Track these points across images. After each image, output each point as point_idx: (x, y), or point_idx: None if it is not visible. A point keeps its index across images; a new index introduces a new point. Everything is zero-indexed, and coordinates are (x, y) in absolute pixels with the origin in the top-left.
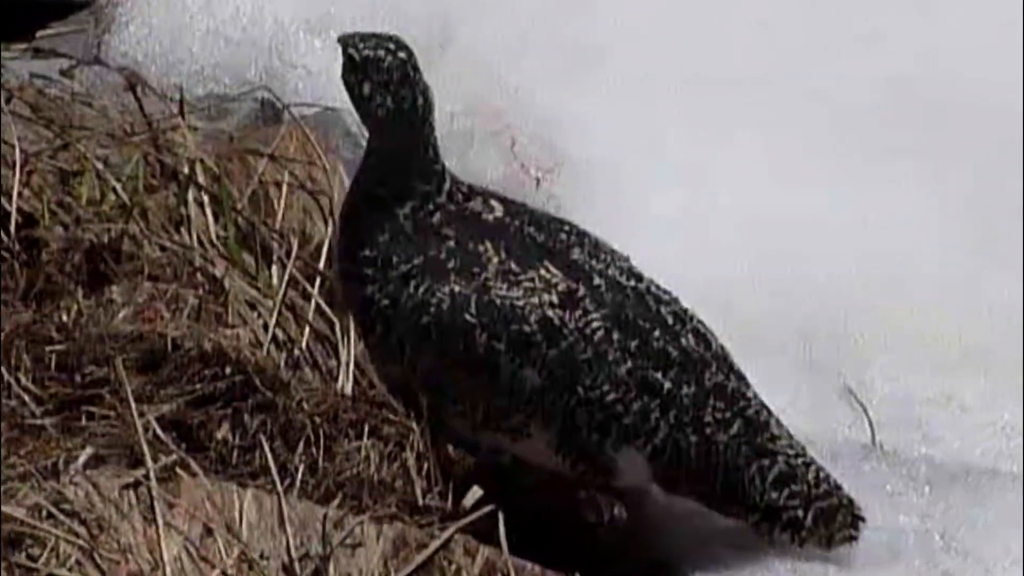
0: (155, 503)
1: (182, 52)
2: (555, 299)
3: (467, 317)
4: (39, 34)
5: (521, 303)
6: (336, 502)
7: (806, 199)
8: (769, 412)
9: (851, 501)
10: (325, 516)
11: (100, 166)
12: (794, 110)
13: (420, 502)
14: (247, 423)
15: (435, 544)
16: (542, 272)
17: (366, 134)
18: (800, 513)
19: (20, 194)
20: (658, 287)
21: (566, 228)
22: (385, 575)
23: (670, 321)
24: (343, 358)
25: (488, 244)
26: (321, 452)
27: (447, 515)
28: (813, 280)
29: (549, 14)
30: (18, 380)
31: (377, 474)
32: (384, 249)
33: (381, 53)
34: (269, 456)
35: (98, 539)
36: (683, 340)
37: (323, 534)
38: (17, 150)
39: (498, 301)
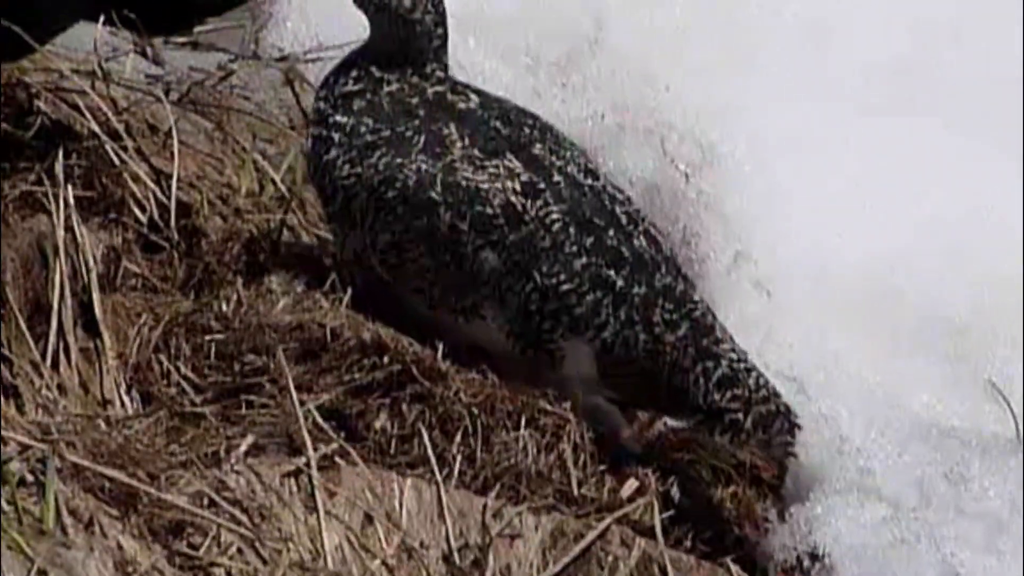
0: (316, 492)
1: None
2: (517, 187)
3: (433, 195)
4: (198, 29)
5: (486, 186)
6: (494, 492)
7: (965, 193)
8: (714, 316)
9: (788, 409)
10: (484, 506)
11: (259, 158)
12: (959, 101)
13: (577, 492)
14: (405, 413)
15: (592, 535)
16: (506, 162)
17: None
18: (740, 416)
19: (179, 185)
20: (614, 187)
21: (529, 123)
22: (543, 565)
23: (624, 221)
24: None
25: (453, 128)
26: (479, 442)
27: (604, 506)
28: (968, 274)
29: (701, 9)
30: (178, 368)
31: (534, 465)
32: (357, 117)
33: None
34: (428, 446)
35: (259, 527)
36: (636, 241)
37: (482, 524)
38: (175, 141)
39: (463, 182)
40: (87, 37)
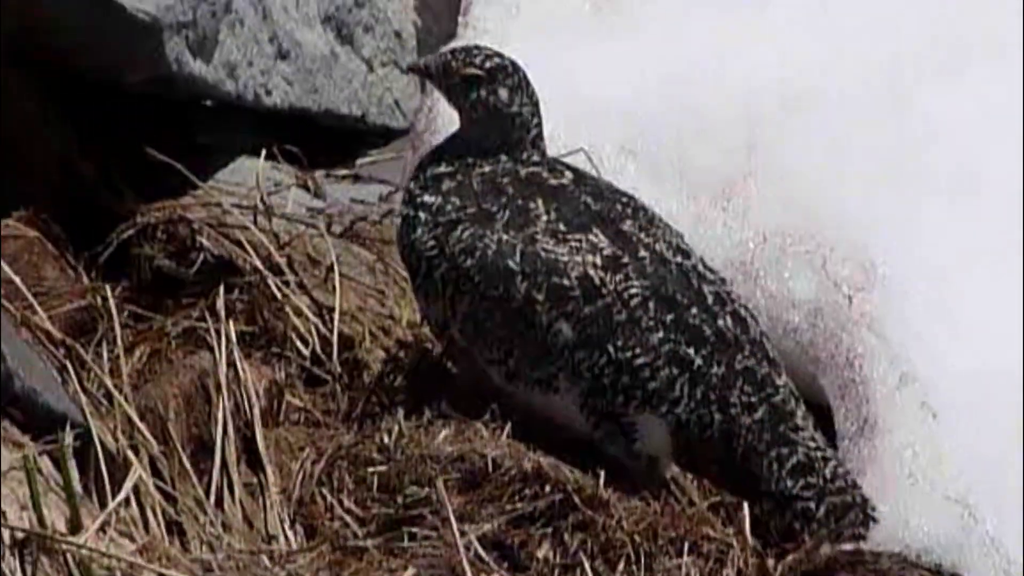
0: None
1: None
2: (598, 261)
3: (510, 263)
4: (359, 162)
5: (565, 258)
6: None
7: None
8: (797, 402)
9: (865, 500)
10: None
11: None
12: None
13: None
14: (567, 542)
15: None
16: (590, 236)
17: None
18: (812, 504)
19: (341, 318)
20: (706, 267)
21: (623, 200)
22: None
23: (710, 300)
24: None
25: (539, 202)
26: (642, 570)
27: None
28: None
29: (857, 130)
30: (341, 502)
31: None
32: (445, 197)
33: (500, 62)
34: (591, 574)
35: None
36: (720, 320)
37: None
38: (337, 274)
39: (543, 253)
40: (249, 172)
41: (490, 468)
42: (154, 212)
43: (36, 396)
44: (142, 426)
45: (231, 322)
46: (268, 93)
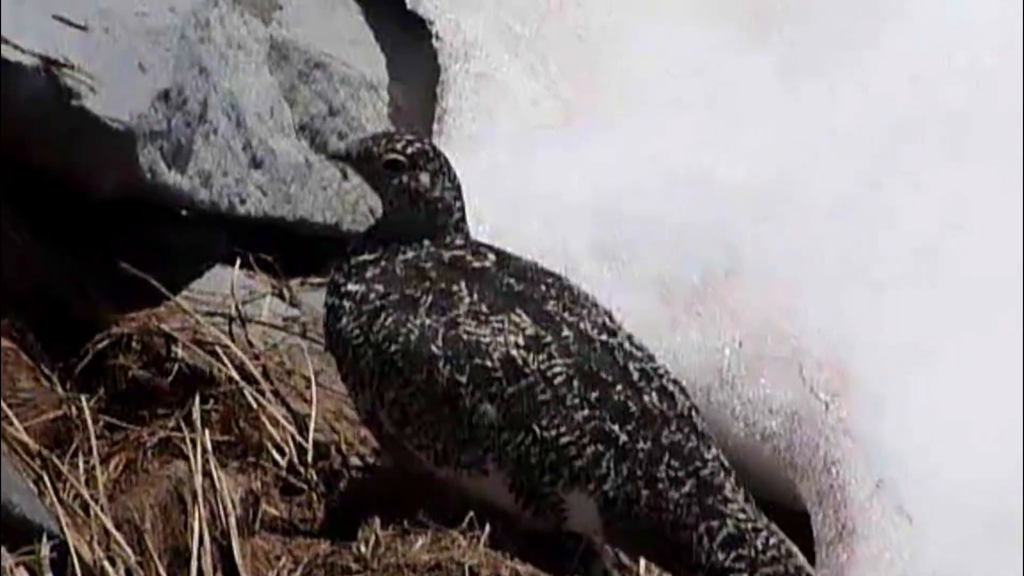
0: None
1: None
2: (521, 341)
3: (433, 348)
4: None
5: (487, 340)
6: None
7: None
8: (727, 474)
9: (799, 569)
10: None
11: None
12: None
13: None
14: None
15: None
16: (512, 317)
17: None
18: None
19: (317, 426)
20: (633, 343)
21: (547, 280)
22: None
23: (635, 377)
24: None
25: (463, 284)
26: None
27: None
28: None
29: (834, 237)
30: None
31: None
32: (368, 284)
33: (420, 147)
34: None
35: None
36: (646, 397)
37: None
38: (314, 383)
39: (465, 336)
40: (224, 281)
41: None
42: (129, 322)
43: (12, 507)
44: (119, 536)
45: (207, 432)
46: (242, 202)
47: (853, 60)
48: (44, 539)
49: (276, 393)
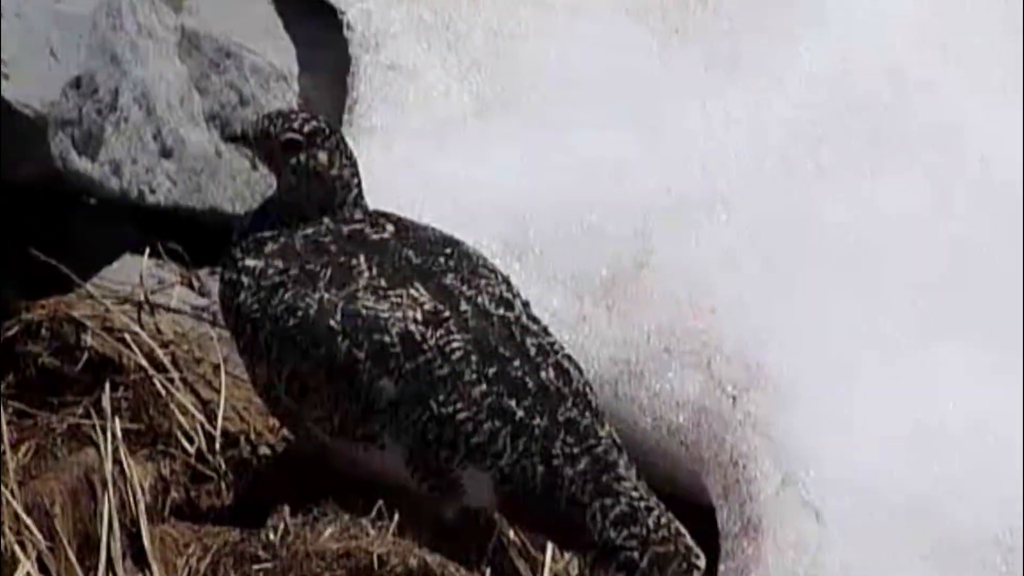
0: None
1: None
2: (419, 316)
3: (331, 323)
4: None
5: (385, 315)
6: None
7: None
8: (620, 452)
9: (689, 549)
10: None
11: None
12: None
13: None
14: None
15: None
16: (411, 291)
17: None
18: (636, 555)
19: (226, 415)
20: (530, 316)
21: (447, 252)
22: None
23: (532, 352)
24: None
25: (362, 258)
26: None
27: None
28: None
29: (747, 232)
30: None
31: None
32: (267, 260)
33: (318, 125)
34: None
35: None
36: (543, 373)
37: None
38: (223, 371)
39: (363, 311)
40: (133, 269)
41: (376, 565)
42: (38, 309)
43: None
44: (29, 522)
45: (116, 419)
46: (152, 191)
47: (773, 56)
48: None
49: (185, 381)
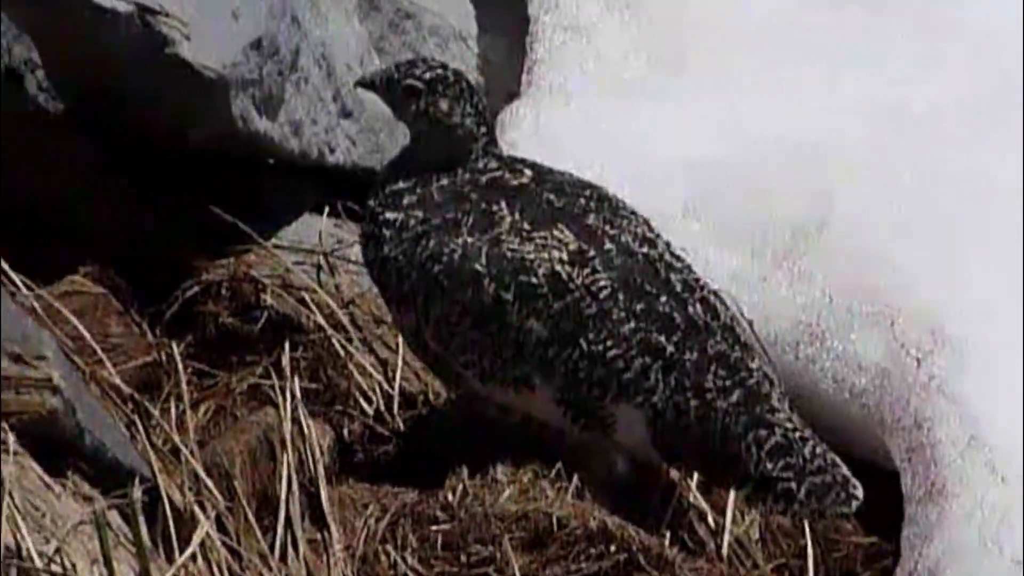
0: None
1: None
2: (564, 256)
3: (477, 266)
4: None
5: (531, 256)
6: None
7: None
8: (772, 385)
9: (847, 479)
10: None
11: None
12: None
13: None
14: None
15: None
16: (555, 232)
17: None
18: (793, 485)
19: (404, 375)
20: (673, 254)
21: (586, 193)
22: None
23: (678, 288)
24: None
25: (503, 204)
26: None
27: None
28: None
29: (926, 193)
30: (404, 559)
31: None
32: (407, 212)
33: (442, 72)
34: None
35: None
36: (690, 308)
37: None
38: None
39: (508, 253)
40: (313, 229)
41: (555, 527)
42: (218, 269)
43: (105, 451)
44: (208, 482)
45: (295, 379)
46: (332, 151)
47: (957, 19)
48: (136, 483)
49: (364, 340)
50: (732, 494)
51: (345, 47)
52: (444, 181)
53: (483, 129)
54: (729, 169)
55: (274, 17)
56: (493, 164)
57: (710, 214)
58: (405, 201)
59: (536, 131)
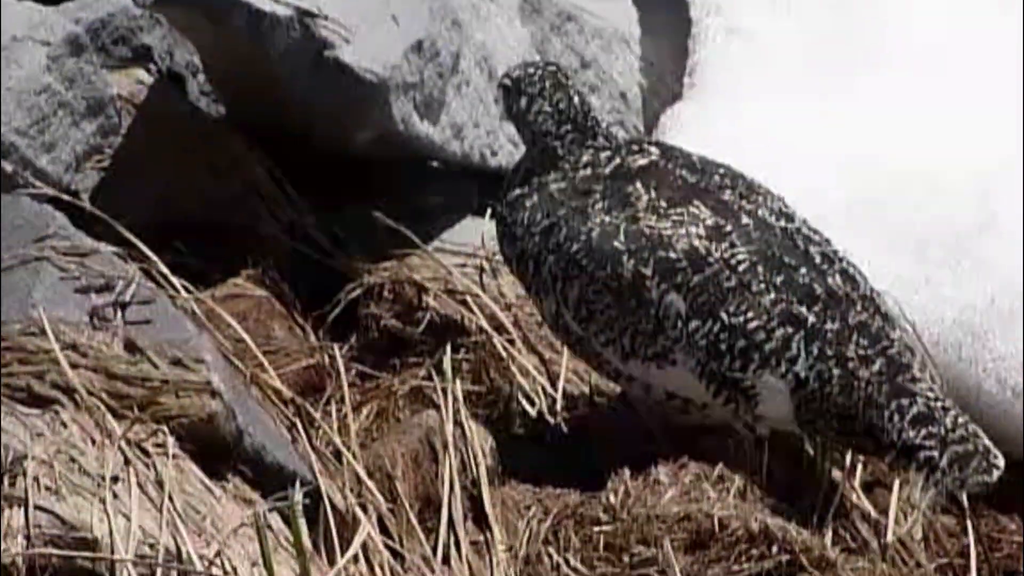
0: None
1: None
2: (702, 231)
3: (616, 244)
4: None
5: (669, 232)
6: None
7: None
8: (913, 354)
9: (988, 449)
10: None
11: None
12: None
13: None
14: None
15: None
16: (691, 208)
17: None
18: (936, 454)
19: (567, 377)
20: (810, 228)
21: (720, 171)
22: None
23: (818, 260)
24: None
25: (638, 184)
26: None
27: None
28: None
29: None
30: (567, 561)
31: None
32: (530, 212)
33: (530, 71)
34: None
35: None
36: (830, 279)
37: None
38: None
39: (646, 230)
40: (475, 232)
41: (717, 528)
42: (381, 272)
43: (266, 454)
44: (370, 484)
45: (458, 381)
46: (494, 154)
47: None
48: (297, 485)
49: (527, 342)
50: (895, 494)
51: (507, 50)
52: (562, 183)
53: (563, 128)
54: (892, 171)
55: (435, 20)
56: (605, 155)
57: (873, 215)
58: (528, 203)
59: (698, 133)
